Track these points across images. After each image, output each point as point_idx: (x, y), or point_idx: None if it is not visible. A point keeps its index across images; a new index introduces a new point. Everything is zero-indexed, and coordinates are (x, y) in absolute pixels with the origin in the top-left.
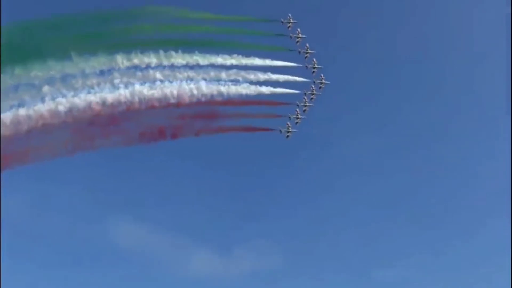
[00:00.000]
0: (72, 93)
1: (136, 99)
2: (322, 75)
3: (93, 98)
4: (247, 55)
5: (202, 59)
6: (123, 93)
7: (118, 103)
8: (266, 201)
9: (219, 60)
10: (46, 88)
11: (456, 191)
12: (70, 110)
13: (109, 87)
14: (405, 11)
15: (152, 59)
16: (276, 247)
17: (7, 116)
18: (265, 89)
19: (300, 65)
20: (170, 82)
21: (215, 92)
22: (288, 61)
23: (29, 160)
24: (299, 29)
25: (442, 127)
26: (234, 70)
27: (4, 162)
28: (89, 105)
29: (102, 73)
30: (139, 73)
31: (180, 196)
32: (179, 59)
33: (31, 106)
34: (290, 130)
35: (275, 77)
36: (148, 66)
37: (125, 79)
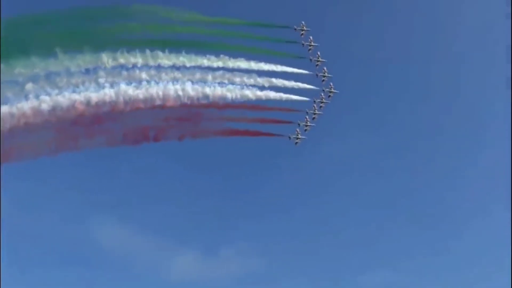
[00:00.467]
0: (56, 91)
1: (121, 99)
2: (331, 84)
3: (78, 97)
4: (255, 59)
5: (188, 60)
6: (108, 93)
7: (103, 102)
8: (253, 203)
9: (205, 61)
10: (29, 86)
11: (447, 193)
12: (53, 109)
13: (94, 86)
14: (413, 18)
15: (138, 59)
16: (262, 250)
17: None
18: (274, 94)
19: (311, 72)
20: (156, 83)
21: (200, 95)
22: (299, 68)
23: (11, 159)
24: (311, 37)
25: (442, 127)
26: (221, 72)
27: None
28: (73, 104)
29: (87, 71)
30: (124, 73)
31: (165, 197)
32: (165, 59)
33: (14, 104)
34: (299, 136)
35: (284, 83)
36: (134, 66)
37: (110, 79)
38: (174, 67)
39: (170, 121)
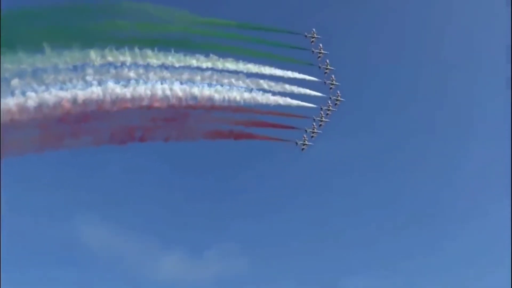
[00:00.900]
0: (43, 88)
1: (108, 97)
2: (338, 92)
3: (65, 94)
4: (262, 63)
5: (177, 60)
6: (96, 91)
7: (90, 101)
8: (238, 205)
9: (194, 61)
10: (15, 82)
11: (443, 192)
12: (40, 106)
13: (81, 84)
14: (415, 22)
15: (127, 57)
16: (246, 251)
17: None
18: (277, 99)
19: (319, 80)
20: (145, 82)
21: (189, 95)
22: (308, 74)
23: None
24: (321, 45)
25: (436, 126)
26: (209, 73)
27: None
28: (59, 102)
29: (75, 68)
30: (113, 71)
31: (151, 198)
32: (154, 58)
33: None
34: (306, 143)
35: (292, 88)
36: (123, 64)
37: (98, 76)
38: (163, 67)
39: (158, 121)
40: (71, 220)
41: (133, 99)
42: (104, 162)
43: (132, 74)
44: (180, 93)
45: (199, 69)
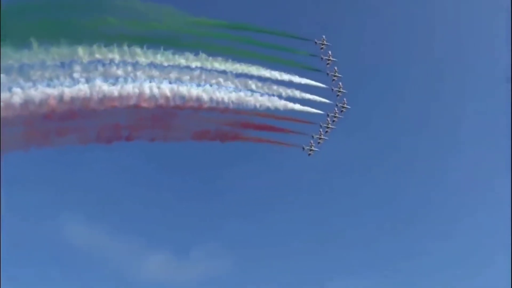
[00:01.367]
0: (29, 84)
1: (96, 95)
2: (345, 100)
3: (51, 91)
4: (271, 68)
5: (166, 59)
6: (83, 88)
7: (76, 98)
8: (225, 205)
9: (183, 61)
10: (1, 77)
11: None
12: (25, 103)
13: (68, 81)
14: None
15: (116, 55)
16: (233, 252)
17: None
18: (275, 102)
19: (327, 86)
20: (133, 80)
21: (177, 95)
22: (316, 81)
23: None
24: (330, 52)
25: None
26: (198, 72)
27: None
28: (46, 99)
29: (62, 65)
30: (101, 68)
31: (137, 197)
32: (143, 57)
33: None
34: (313, 148)
35: (299, 93)
36: (111, 62)
37: (85, 74)
38: (152, 65)
39: (145, 120)
40: (56, 219)
41: (120, 97)
42: (90, 160)
43: (120, 72)
44: (168, 93)
45: (188, 68)
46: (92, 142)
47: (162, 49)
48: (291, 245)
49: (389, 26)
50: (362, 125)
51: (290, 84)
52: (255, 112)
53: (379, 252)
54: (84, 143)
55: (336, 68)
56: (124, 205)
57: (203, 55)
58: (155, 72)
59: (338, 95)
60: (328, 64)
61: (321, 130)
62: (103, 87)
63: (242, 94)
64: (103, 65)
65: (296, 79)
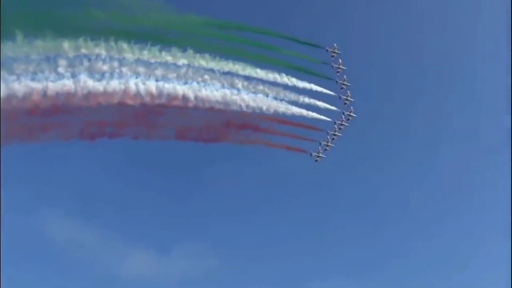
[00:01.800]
0: (13, 77)
1: (80, 91)
2: (351, 108)
3: (35, 85)
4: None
5: (153, 56)
6: (67, 84)
7: (61, 93)
8: (208, 204)
9: (169, 58)
10: None
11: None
12: (8, 97)
13: (53, 76)
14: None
15: (102, 50)
16: (215, 252)
17: None
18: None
19: (335, 94)
20: (119, 76)
21: (163, 92)
22: (324, 87)
23: None
24: (340, 60)
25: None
26: (185, 69)
27: None
28: (30, 93)
29: (47, 59)
30: (86, 63)
31: (119, 195)
32: (130, 53)
33: None
34: (320, 155)
35: (298, 97)
36: (97, 57)
37: (70, 69)
38: (138, 61)
39: (129, 118)
40: (37, 214)
41: (105, 94)
42: (72, 157)
43: (106, 67)
44: (154, 90)
45: (175, 65)
46: (75, 138)
47: (149, 45)
48: (274, 245)
49: (399, 39)
50: (366, 133)
51: (298, 90)
52: (259, 114)
53: (363, 252)
54: (67, 139)
55: (345, 76)
56: (106, 202)
57: (190, 52)
58: (141, 69)
59: (345, 103)
60: (338, 72)
61: (328, 137)
62: (88, 82)
63: (228, 92)
64: (89, 60)
65: (305, 84)
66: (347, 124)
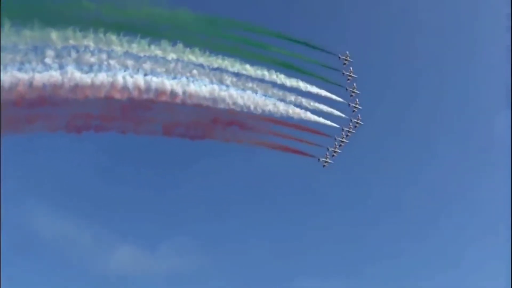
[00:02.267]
0: None
1: (67, 83)
2: (359, 116)
3: (22, 76)
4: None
5: (143, 49)
6: (54, 75)
7: (47, 84)
8: (195, 200)
9: (159, 52)
10: None
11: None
12: None
13: (40, 66)
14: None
15: (90, 42)
16: (202, 248)
17: None
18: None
19: (344, 101)
20: (107, 69)
21: (152, 87)
22: (334, 94)
23: None
24: (351, 68)
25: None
26: (174, 64)
27: None
28: (16, 83)
29: (34, 49)
30: (74, 55)
31: (105, 189)
32: (119, 46)
33: None
34: (328, 160)
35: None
36: (86, 48)
37: (58, 60)
38: (127, 54)
39: (116, 112)
40: (22, 206)
41: (93, 86)
42: (58, 149)
43: (94, 59)
44: (142, 84)
45: (164, 59)
46: (61, 131)
47: (138, 38)
48: (261, 242)
49: (410, 49)
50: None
51: (304, 93)
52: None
53: (344, 254)
54: (53, 131)
55: (355, 84)
56: (92, 197)
57: (180, 46)
58: (129, 62)
59: (354, 111)
60: (348, 80)
61: (336, 143)
62: (76, 74)
63: (216, 88)
64: (77, 51)
65: (313, 89)
66: (354, 132)
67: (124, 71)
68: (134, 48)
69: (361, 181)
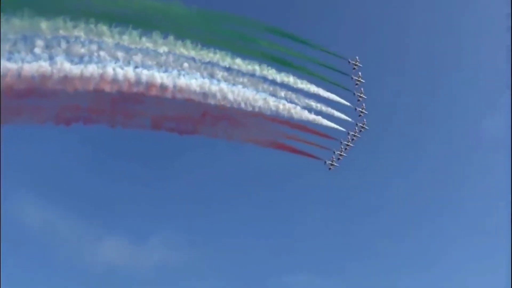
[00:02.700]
0: None
1: (56, 74)
2: (365, 120)
3: (10, 65)
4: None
5: (135, 42)
6: (43, 65)
7: (36, 75)
8: (186, 195)
9: (150, 44)
10: None
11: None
12: None
13: (29, 57)
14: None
15: (81, 32)
16: (192, 242)
17: None
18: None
19: (351, 105)
20: (97, 61)
21: (142, 79)
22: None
23: None
24: (360, 73)
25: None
26: (165, 57)
27: None
28: (4, 74)
29: (24, 38)
30: (64, 45)
31: (94, 181)
32: (109, 37)
33: None
34: (334, 164)
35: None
36: (77, 39)
37: (47, 50)
38: (118, 46)
39: (105, 104)
40: (10, 198)
41: (82, 78)
42: (46, 141)
43: (84, 50)
44: (132, 77)
45: (155, 52)
46: (49, 122)
47: (130, 29)
48: (249, 237)
49: (410, 49)
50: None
51: (311, 96)
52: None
53: (327, 250)
54: (41, 122)
55: (362, 89)
56: (81, 189)
57: (171, 38)
58: (120, 54)
59: (360, 115)
60: (356, 84)
61: (342, 146)
62: (65, 65)
63: (207, 82)
64: (67, 42)
65: (322, 91)
66: (359, 136)
67: (115, 63)
68: (125, 39)
69: (353, 181)
